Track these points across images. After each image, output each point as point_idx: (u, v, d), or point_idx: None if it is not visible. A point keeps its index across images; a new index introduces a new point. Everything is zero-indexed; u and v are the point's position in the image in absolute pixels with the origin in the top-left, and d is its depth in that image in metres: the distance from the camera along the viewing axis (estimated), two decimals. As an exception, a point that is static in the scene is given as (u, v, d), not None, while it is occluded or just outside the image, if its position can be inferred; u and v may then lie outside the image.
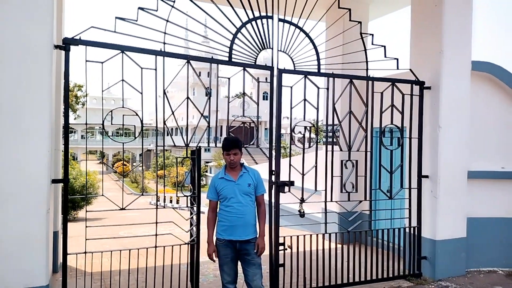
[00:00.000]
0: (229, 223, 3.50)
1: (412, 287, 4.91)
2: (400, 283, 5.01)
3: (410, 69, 5.26)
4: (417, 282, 5.03)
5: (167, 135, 4.64)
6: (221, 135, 30.14)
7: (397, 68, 4.95)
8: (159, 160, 31.76)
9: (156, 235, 3.98)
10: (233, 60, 4.28)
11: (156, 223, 3.96)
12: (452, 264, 5.25)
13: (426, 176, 5.22)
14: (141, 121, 4.07)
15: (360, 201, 4.75)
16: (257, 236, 3.60)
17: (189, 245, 4.32)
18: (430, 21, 5.30)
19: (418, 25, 5.51)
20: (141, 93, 3.92)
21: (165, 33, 3.89)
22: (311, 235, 4.63)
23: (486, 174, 5.56)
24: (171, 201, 20.59)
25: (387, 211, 5.45)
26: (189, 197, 4.42)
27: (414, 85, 5.16)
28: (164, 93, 3.92)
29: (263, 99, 40.39)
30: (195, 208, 4.30)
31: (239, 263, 3.63)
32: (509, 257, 5.64)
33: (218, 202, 3.61)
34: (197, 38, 4.34)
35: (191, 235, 4.36)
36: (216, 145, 4.33)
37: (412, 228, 5.18)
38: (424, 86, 5.22)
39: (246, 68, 4.32)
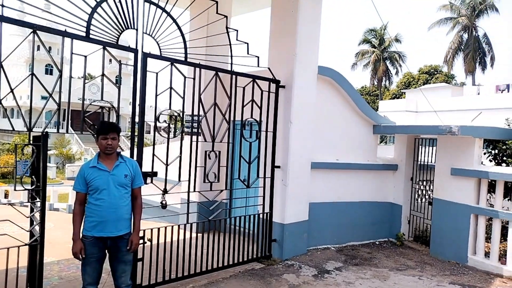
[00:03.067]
0: (99, 218, 3.18)
1: (263, 268, 5.35)
2: (253, 266, 5.40)
3: (269, 68, 5.66)
4: (267, 263, 5.51)
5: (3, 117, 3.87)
6: (63, 120, 26.80)
7: (258, 66, 5.25)
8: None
9: (-15, 236, 3.29)
10: (91, 36, 3.84)
11: (-14, 222, 3.28)
12: (296, 244, 5.93)
13: (278, 167, 5.74)
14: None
15: (221, 191, 4.91)
16: (131, 231, 3.36)
17: (30, 246, 3.73)
18: (286, 25, 5.80)
19: (276, 27, 5.97)
20: (-33, 63, 3.17)
21: (3, -7, 3.22)
22: (172, 226, 4.57)
23: (324, 165, 6.44)
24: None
25: (244, 199, 5.78)
26: (30, 191, 3.80)
27: (271, 83, 5.58)
28: (1, 66, 3.25)
29: (116, 83, 37.60)
30: (38, 204, 3.72)
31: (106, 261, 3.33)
32: (339, 235, 6.69)
33: (87, 194, 3.22)
34: (45, 6, 3.73)
35: (32, 235, 3.76)
36: (67, 130, 3.82)
37: (265, 214, 5.63)
38: (280, 84, 5.70)
39: (107, 48, 3.94)
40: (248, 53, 5.11)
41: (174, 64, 4.42)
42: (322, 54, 6.28)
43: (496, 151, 6.53)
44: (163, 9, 4.34)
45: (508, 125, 6.60)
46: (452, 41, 38.21)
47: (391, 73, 45.12)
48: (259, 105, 5.30)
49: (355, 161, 6.88)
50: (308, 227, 6.11)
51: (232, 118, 4.98)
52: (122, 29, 4.09)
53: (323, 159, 6.43)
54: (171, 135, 4.41)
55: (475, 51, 36.73)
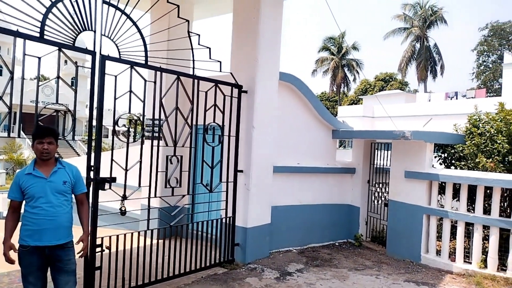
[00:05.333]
0: (37, 227, 3.03)
1: (226, 272, 5.34)
2: (216, 270, 5.37)
3: (231, 73, 5.68)
4: (230, 267, 5.50)
5: None
6: (14, 124, 25.29)
7: (220, 71, 5.25)
8: None
9: None
10: (45, 37, 3.69)
11: None
12: (259, 248, 5.97)
13: (241, 171, 5.76)
14: None
15: (183, 196, 4.86)
16: (72, 240, 3.23)
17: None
18: (248, 30, 5.86)
19: (238, 33, 6.01)
20: None
21: None
22: (132, 233, 4.45)
23: (286, 169, 6.55)
24: None
25: (207, 203, 5.75)
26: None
27: (234, 87, 5.60)
28: None
29: (72, 85, 36.07)
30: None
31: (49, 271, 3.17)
32: (300, 238, 6.81)
33: (24, 202, 3.07)
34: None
35: (-20, 245, 3.53)
36: (19, 135, 3.63)
37: (227, 218, 5.63)
38: (242, 89, 5.74)
39: (63, 49, 3.80)
40: (210, 58, 5.11)
41: (134, 67, 4.33)
42: (283, 60, 6.41)
43: (446, 155, 6.94)
44: (123, 11, 4.25)
45: (456, 130, 7.03)
46: (405, 50, 40.21)
47: (349, 80, 46.70)
48: (222, 109, 5.31)
49: (315, 165, 7.05)
50: (270, 230, 6.17)
51: (194, 123, 4.95)
52: (79, 31, 3.96)
53: (284, 163, 6.53)
54: (131, 139, 4.32)
55: (426, 60, 38.89)
